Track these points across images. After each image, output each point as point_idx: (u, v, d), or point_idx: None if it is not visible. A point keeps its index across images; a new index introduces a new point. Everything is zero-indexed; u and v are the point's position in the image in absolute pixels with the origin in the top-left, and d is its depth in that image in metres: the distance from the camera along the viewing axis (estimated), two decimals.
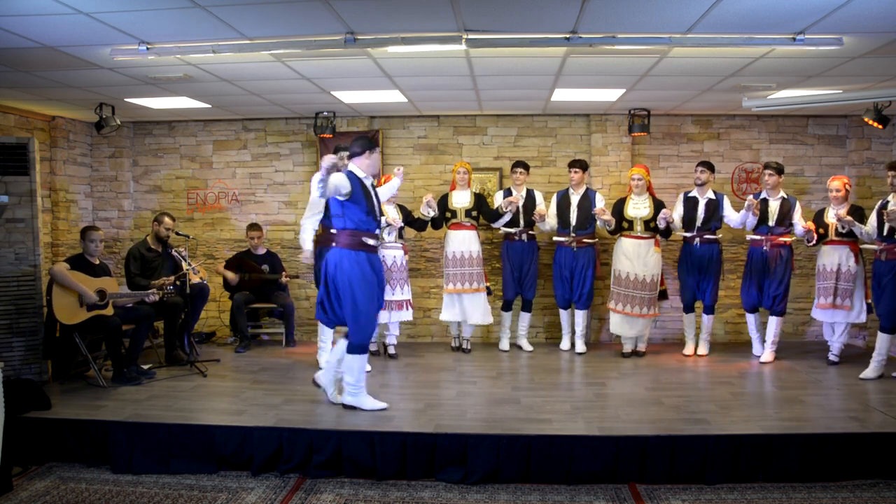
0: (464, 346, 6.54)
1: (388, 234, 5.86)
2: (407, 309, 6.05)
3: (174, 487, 3.94)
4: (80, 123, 7.13)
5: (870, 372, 5.33)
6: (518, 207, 6.28)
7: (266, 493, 3.86)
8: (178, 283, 5.89)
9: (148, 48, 4.26)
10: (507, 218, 6.27)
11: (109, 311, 5.33)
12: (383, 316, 5.83)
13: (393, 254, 5.96)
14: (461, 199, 6.30)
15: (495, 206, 6.32)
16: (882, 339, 5.28)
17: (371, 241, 4.47)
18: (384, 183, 5.79)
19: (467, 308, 6.23)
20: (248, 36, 4.14)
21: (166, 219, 6.08)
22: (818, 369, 5.72)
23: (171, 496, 3.82)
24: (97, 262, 5.48)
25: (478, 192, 6.66)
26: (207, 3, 3.55)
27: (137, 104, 6.23)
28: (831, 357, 5.91)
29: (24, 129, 6.48)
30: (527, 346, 6.60)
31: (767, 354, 6.00)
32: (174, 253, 6.02)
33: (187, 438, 4.21)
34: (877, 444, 3.99)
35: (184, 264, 5.95)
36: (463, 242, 6.23)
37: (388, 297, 5.76)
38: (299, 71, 5.07)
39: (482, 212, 6.36)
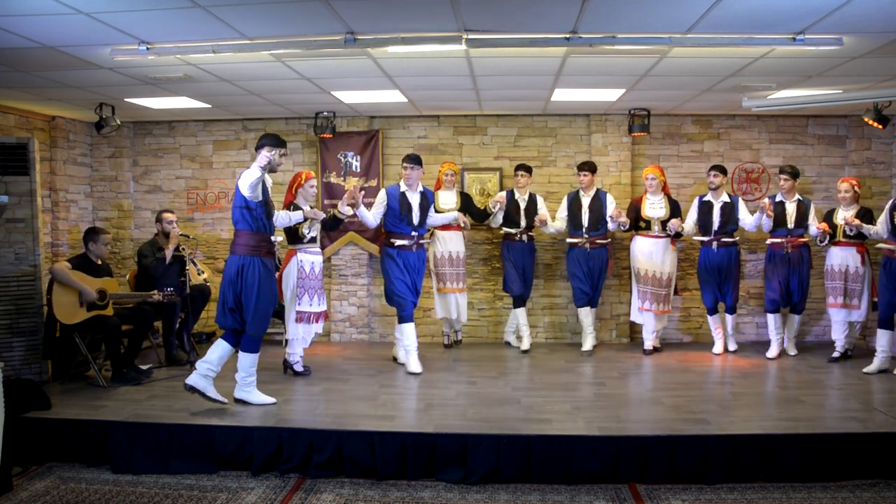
0: (457, 339, 6.75)
1: (309, 229, 5.38)
2: (322, 321, 5.56)
3: (174, 487, 3.94)
4: (80, 123, 7.13)
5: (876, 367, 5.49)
6: (520, 209, 6.36)
7: (266, 493, 3.86)
8: (180, 281, 5.89)
9: (148, 48, 4.26)
10: (500, 215, 6.39)
11: (109, 311, 5.33)
12: (302, 329, 5.41)
13: (311, 259, 5.42)
14: (448, 200, 6.29)
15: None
16: None
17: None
18: (296, 186, 5.43)
19: (461, 307, 6.39)
20: (248, 36, 4.14)
21: (165, 214, 6.12)
22: (818, 369, 5.73)
23: (171, 496, 3.82)
24: (100, 262, 5.48)
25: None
26: (207, 3, 3.55)
27: (137, 104, 6.23)
28: (844, 354, 5.99)
29: (24, 129, 6.47)
30: (516, 343, 6.75)
31: (792, 348, 6.26)
32: (181, 249, 6.01)
33: (187, 438, 4.21)
34: (877, 444, 3.99)
35: (190, 266, 5.97)
36: (452, 243, 6.28)
37: (306, 308, 5.34)
38: (299, 71, 5.07)
39: (471, 212, 6.40)
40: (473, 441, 4.03)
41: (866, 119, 5.82)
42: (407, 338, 5.71)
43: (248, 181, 4.33)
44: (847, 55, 4.47)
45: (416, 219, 5.69)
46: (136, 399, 4.84)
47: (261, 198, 4.44)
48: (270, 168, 4.47)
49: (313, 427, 4.20)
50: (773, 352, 6.13)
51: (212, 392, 4.55)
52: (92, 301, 5.18)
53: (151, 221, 7.18)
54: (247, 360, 4.63)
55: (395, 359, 6.02)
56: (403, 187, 5.74)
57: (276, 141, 4.48)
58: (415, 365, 5.65)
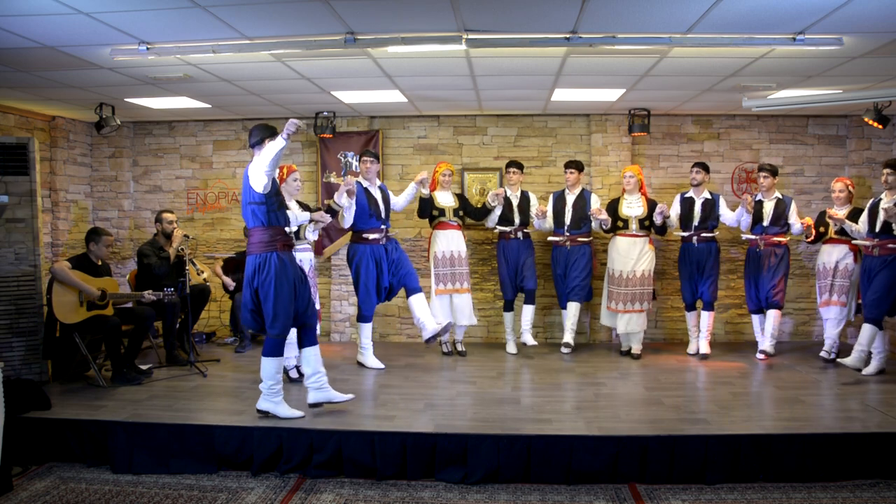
0: (459, 349, 6.47)
1: (314, 231, 5.37)
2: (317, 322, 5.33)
3: (174, 487, 3.94)
4: (80, 123, 7.13)
5: (851, 361, 5.20)
6: (513, 206, 6.36)
7: (266, 493, 3.86)
8: (180, 281, 5.89)
9: (148, 48, 4.26)
10: (497, 213, 6.38)
11: (109, 310, 5.33)
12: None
13: (300, 257, 5.16)
14: (446, 200, 6.31)
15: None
16: (866, 330, 5.20)
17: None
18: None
19: (456, 309, 6.24)
20: (248, 36, 4.14)
21: (165, 215, 6.15)
22: (818, 369, 5.72)
23: (171, 496, 3.82)
24: (100, 262, 5.48)
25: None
26: (207, 3, 3.55)
27: (137, 104, 6.24)
28: (823, 354, 5.89)
29: (24, 129, 6.48)
30: (530, 341, 6.35)
31: (767, 345, 6.01)
32: (181, 251, 6.01)
33: (187, 438, 4.21)
34: (877, 444, 3.99)
35: (190, 266, 5.97)
36: (451, 242, 6.25)
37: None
38: (299, 71, 5.07)
39: (467, 212, 6.42)
40: (473, 441, 4.03)
41: (866, 119, 5.82)
42: (365, 337, 5.89)
43: (270, 155, 4.03)
44: (847, 55, 4.47)
45: (382, 212, 5.85)
46: (136, 399, 4.84)
47: (271, 188, 4.21)
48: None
49: (313, 427, 4.20)
50: (759, 352, 6.12)
51: (334, 395, 4.56)
52: (93, 299, 5.18)
53: (151, 221, 7.19)
54: (270, 367, 4.32)
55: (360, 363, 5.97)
56: (365, 183, 5.84)
57: (272, 131, 4.25)
58: (375, 361, 5.87)
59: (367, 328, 5.90)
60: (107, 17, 3.73)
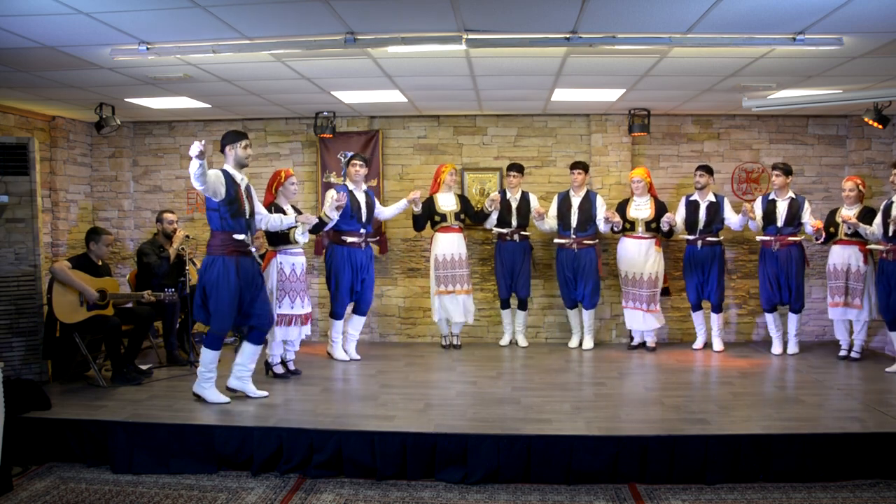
0: (454, 343, 6.70)
1: (303, 235, 5.28)
2: (307, 323, 5.43)
3: (174, 487, 3.94)
4: (80, 123, 7.13)
5: None
6: (511, 208, 6.41)
7: (266, 493, 3.86)
8: (179, 282, 5.89)
9: (148, 48, 4.26)
10: (493, 217, 6.45)
11: (110, 310, 5.33)
12: (292, 332, 5.29)
13: (292, 260, 5.31)
14: (448, 202, 6.35)
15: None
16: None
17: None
18: (276, 185, 5.29)
19: (455, 308, 6.37)
20: (248, 36, 4.14)
21: (166, 215, 6.17)
22: (818, 369, 5.73)
23: (171, 496, 3.81)
24: (100, 262, 5.48)
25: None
26: (207, 3, 3.55)
27: (137, 104, 6.23)
28: (849, 354, 5.98)
29: (24, 129, 6.47)
30: (523, 342, 6.75)
31: (793, 347, 6.20)
32: (181, 250, 6.00)
33: (187, 438, 4.21)
34: (877, 444, 3.99)
35: (190, 266, 5.97)
36: (452, 245, 6.32)
37: (286, 310, 5.22)
38: (299, 71, 5.07)
39: (468, 214, 6.47)
40: (473, 441, 4.03)
41: (866, 119, 5.82)
42: (336, 332, 6.07)
43: (190, 174, 4.20)
44: (847, 55, 4.47)
45: (364, 217, 5.86)
46: (136, 399, 4.84)
47: (223, 196, 4.45)
48: (239, 163, 4.62)
49: (313, 427, 4.20)
50: (776, 349, 6.19)
51: (251, 389, 4.88)
52: (93, 301, 5.18)
53: (151, 221, 7.19)
54: (205, 356, 4.70)
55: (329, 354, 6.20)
56: (351, 186, 5.87)
57: (234, 136, 4.59)
58: (342, 353, 6.07)
59: (338, 324, 6.05)
60: (107, 17, 3.73)
